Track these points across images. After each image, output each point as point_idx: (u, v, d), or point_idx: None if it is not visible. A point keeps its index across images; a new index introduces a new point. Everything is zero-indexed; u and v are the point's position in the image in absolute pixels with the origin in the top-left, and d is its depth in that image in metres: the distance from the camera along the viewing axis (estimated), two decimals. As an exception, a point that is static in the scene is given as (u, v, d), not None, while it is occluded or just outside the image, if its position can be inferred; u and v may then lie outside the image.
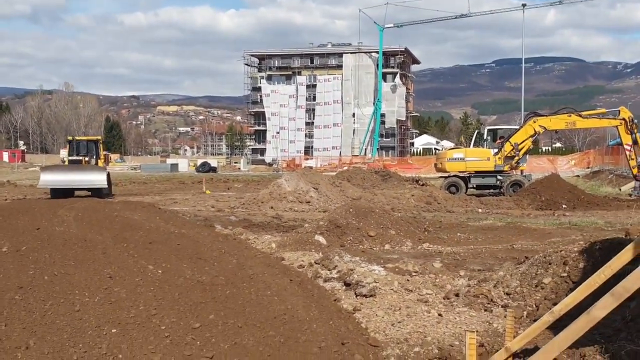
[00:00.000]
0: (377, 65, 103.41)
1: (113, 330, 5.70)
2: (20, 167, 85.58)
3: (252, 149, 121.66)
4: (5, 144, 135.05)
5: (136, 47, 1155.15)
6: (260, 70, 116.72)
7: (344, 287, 7.66)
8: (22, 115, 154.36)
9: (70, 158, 27.09)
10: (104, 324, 5.86)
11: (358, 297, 7.23)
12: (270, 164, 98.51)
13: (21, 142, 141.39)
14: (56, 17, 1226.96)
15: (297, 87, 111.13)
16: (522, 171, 31.53)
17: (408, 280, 7.83)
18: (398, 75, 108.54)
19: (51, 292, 7.01)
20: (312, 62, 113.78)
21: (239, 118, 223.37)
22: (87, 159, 27.23)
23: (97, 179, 24.23)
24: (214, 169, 74.55)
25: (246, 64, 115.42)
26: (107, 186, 25.12)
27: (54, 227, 12.61)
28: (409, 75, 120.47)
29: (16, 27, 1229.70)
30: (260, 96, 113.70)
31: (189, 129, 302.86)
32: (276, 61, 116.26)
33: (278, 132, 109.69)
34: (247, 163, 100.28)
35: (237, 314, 6.22)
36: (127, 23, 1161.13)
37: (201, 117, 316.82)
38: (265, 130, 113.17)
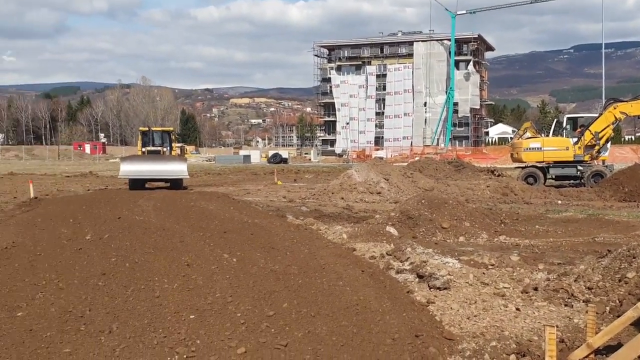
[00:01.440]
0: (450, 53, 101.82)
1: (191, 316, 5.85)
2: (102, 158, 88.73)
3: (322, 140, 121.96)
4: (87, 137, 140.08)
5: (209, 41, 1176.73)
6: (329, 61, 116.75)
7: (417, 279, 7.59)
8: (103, 109, 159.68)
9: (148, 149, 26.15)
10: (182, 310, 6.03)
11: (431, 289, 7.15)
12: (340, 155, 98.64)
13: (102, 135, 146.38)
14: (132, 13, 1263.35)
15: (367, 77, 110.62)
16: (603, 161, 30.31)
17: (484, 273, 7.69)
18: (471, 63, 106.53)
19: (132, 278, 7.26)
20: (382, 51, 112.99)
21: (309, 109, 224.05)
22: (164, 149, 26.45)
23: (179, 169, 23.71)
24: (284, 160, 75.18)
25: (316, 55, 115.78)
26: (188, 177, 24.73)
27: (134, 216, 13.09)
28: (483, 62, 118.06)
29: (95, 24, 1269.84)
30: (330, 87, 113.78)
31: (260, 120, 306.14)
32: (346, 51, 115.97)
33: (348, 123, 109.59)
34: (318, 154, 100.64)
35: (310, 303, 6.28)
36: (200, 17, 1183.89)
37: (272, 109, 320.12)
38: (335, 121, 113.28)
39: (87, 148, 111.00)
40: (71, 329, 5.60)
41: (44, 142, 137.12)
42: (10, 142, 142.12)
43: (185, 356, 4.99)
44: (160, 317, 5.87)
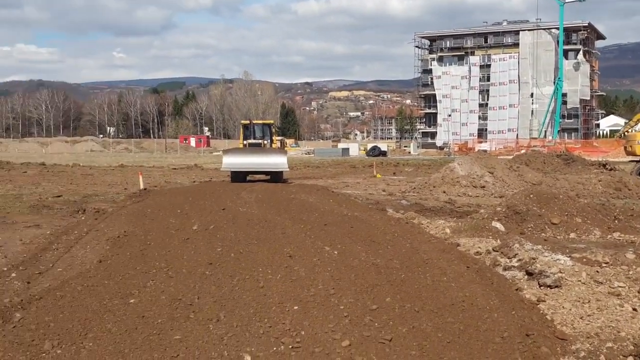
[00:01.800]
0: (558, 42, 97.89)
1: (295, 308, 5.90)
2: (206, 151, 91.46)
3: (423, 132, 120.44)
4: (192, 130, 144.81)
5: (309, 35, 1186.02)
6: (431, 52, 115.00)
7: (526, 277, 7.31)
8: (207, 103, 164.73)
9: (249, 142, 25.96)
10: (286, 301, 6.09)
11: (542, 287, 6.86)
12: (441, 148, 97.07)
13: (206, 128, 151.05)
14: (235, 8, 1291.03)
15: (470, 68, 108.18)
16: None
17: (597, 271, 7.31)
18: (581, 52, 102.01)
19: (237, 268, 7.42)
20: (485, 41, 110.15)
21: (408, 101, 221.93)
22: (265, 142, 26.22)
23: (280, 161, 23.53)
24: (383, 153, 74.78)
25: (417, 47, 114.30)
26: (288, 169, 24.66)
27: (238, 207, 13.41)
28: (593, 51, 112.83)
29: (200, 20, 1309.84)
30: (431, 78, 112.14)
31: (359, 113, 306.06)
32: (448, 42, 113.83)
33: (449, 115, 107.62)
34: (417, 147, 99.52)
35: (413, 298, 6.20)
36: (301, 12, 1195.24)
37: (371, 102, 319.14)
38: (436, 113, 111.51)
39: (192, 141, 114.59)
40: (181, 317, 5.78)
41: (151, 136, 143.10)
42: (121, 136, 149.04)
43: (290, 346, 5.04)
44: (265, 307, 5.96)
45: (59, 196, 21.48)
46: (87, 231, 11.19)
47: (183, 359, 4.90)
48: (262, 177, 24.45)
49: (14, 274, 7.98)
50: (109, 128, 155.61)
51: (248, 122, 27.82)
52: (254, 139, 26.09)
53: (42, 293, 6.61)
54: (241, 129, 27.71)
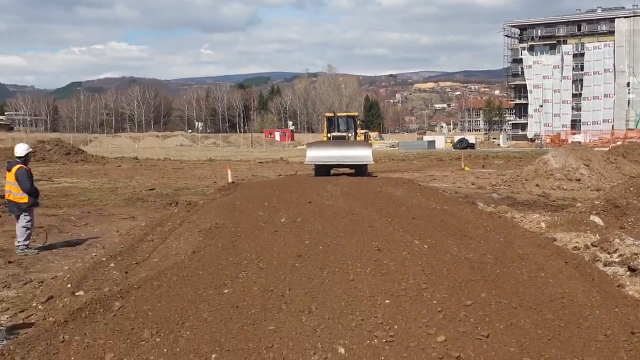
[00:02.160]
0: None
1: (386, 301, 5.83)
2: (290, 145, 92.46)
3: (512, 124, 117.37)
4: (276, 124, 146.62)
5: (394, 26, 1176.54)
6: (521, 41, 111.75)
7: (628, 273, 6.99)
8: (291, 97, 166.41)
9: (333, 134, 25.36)
10: (377, 294, 6.03)
11: (646, 284, 6.57)
12: (532, 140, 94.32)
13: (290, 122, 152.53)
14: (319, 2, 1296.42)
15: (562, 57, 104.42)
16: None
17: None
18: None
19: (326, 261, 7.42)
20: (579, 29, 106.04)
21: (497, 92, 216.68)
22: (349, 135, 25.74)
23: (364, 154, 22.83)
24: (471, 145, 73.44)
25: (506, 36, 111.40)
26: (373, 162, 24.03)
27: (324, 200, 13.44)
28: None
29: (284, 15, 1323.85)
30: (521, 68, 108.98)
31: (445, 105, 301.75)
32: (539, 31, 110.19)
33: (541, 106, 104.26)
34: (507, 139, 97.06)
35: (509, 294, 6.02)
36: (385, 3, 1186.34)
37: (457, 93, 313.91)
38: (527, 104, 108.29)
39: (277, 135, 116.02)
40: (273, 307, 5.82)
41: (238, 130, 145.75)
42: (209, 130, 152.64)
43: (384, 340, 4.98)
44: (356, 300, 5.92)
45: (152, 189, 22.23)
46: (180, 223, 11.49)
47: (277, 349, 4.92)
48: (347, 170, 24.35)
49: (112, 264, 8.29)
50: (197, 123, 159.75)
51: (332, 114, 27.29)
52: (338, 131, 25.62)
53: (140, 283, 6.81)
54: (325, 122, 27.31)
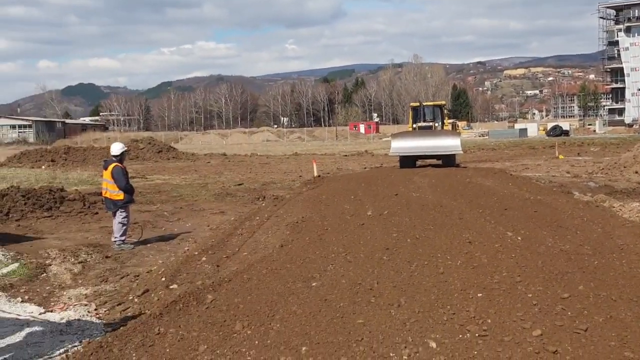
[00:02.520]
0: None
1: (479, 295, 5.68)
2: (375, 137, 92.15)
3: (609, 109, 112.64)
4: (361, 117, 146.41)
5: (481, 13, 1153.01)
6: (617, 22, 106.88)
7: None
8: (375, 89, 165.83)
9: (419, 124, 24.39)
10: (468, 288, 5.89)
11: None
12: (630, 125, 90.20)
13: (375, 114, 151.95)
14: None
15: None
16: None
17: None
18: None
19: (415, 254, 7.31)
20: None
21: (592, 77, 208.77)
22: (436, 124, 24.87)
23: (452, 144, 21.89)
24: (565, 133, 70.98)
25: (601, 17, 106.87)
26: (461, 152, 23.09)
27: (411, 193, 13.29)
28: None
29: (369, 6, 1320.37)
30: (618, 51, 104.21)
31: (537, 91, 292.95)
32: (636, 11, 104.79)
33: (639, 89, 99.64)
34: (603, 125, 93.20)
35: (609, 286, 5.75)
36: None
37: (550, 79, 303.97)
38: (624, 88, 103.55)
39: (362, 128, 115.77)
40: (362, 301, 5.78)
41: (322, 124, 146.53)
42: (294, 125, 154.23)
43: (477, 335, 4.84)
44: (447, 293, 5.80)
45: (240, 184, 22.65)
46: (267, 217, 11.63)
47: (367, 343, 4.88)
48: (433, 161, 23.69)
49: (204, 258, 8.47)
50: (282, 118, 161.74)
51: (417, 104, 26.33)
52: (424, 121, 24.70)
53: (231, 276, 6.92)
54: (410, 112, 26.49)
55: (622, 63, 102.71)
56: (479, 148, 47.62)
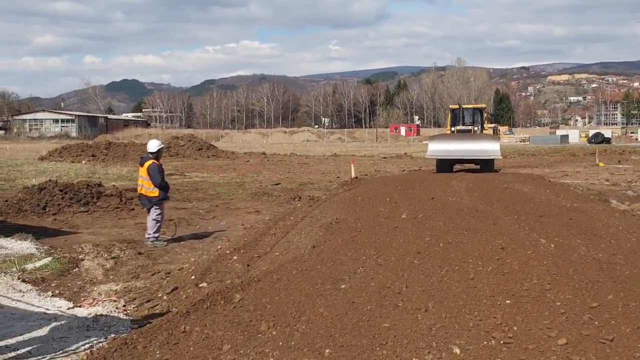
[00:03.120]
0: None
1: (507, 302, 5.65)
2: (416, 140, 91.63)
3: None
4: (402, 119, 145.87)
5: (526, 18, 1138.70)
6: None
7: None
8: (417, 92, 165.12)
9: (458, 128, 23.62)
10: (497, 294, 5.86)
11: None
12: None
13: (416, 117, 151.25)
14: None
15: None
16: None
17: None
18: None
19: (446, 258, 7.30)
20: None
21: (636, 84, 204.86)
22: (475, 128, 24.06)
23: (491, 149, 21.16)
24: (607, 140, 69.75)
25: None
26: (500, 157, 22.30)
27: (447, 197, 13.25)
28: None
29: (413, 9, 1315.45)
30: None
31: (580, 98, 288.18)
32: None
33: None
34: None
35: (639, 297, 5.66)
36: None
37: (594, 85, 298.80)
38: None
39: (402, 130, 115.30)
40: (389, 305, 5.79)
41: (363, 126, 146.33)
42: (334, 126, 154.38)
43: (502, 342, 4.82)
44: (475, 299, 5.78)
45: (277, 184, 22.79)
46: (302, 217, 11.70)
47: (391, 347, 4.89)
48: (472, 166, 23.31)
49: (235, 257, 8.56)
50: (323, 119, 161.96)
51: (457, 106, 25.50)
52: (463, 124, 23.95)
53: (260, 276, 6.97)
54: (449, 115, 25.80)
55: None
56: (519, 153, 47.07)
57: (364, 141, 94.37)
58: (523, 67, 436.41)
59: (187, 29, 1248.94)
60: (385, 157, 43.99)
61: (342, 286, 6.43)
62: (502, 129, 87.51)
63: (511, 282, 6.21)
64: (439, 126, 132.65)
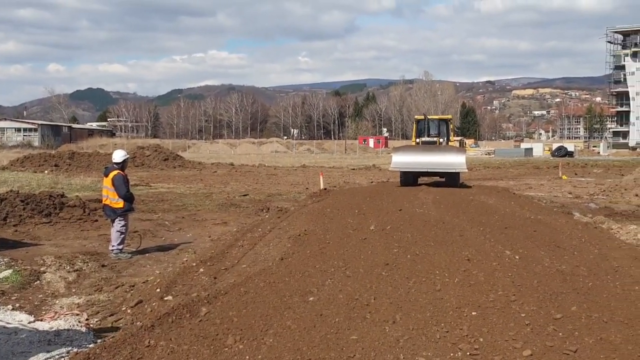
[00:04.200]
0: None
1: (473, 313, 5.71)
2: (384, 152, 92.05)
3: (613, 131, 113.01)
4: (371, 131, 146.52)
5: (492, 33, 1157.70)
6: (624, 47, 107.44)
7: None
8: (386, 104, 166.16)
9: (423, 139, 22.77)
10: (463, 306, 5.92)
11: None
12: (634, 148, 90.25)
13: (384, 129, 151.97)
14: (418, 9, 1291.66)
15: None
16: None
17: None
18: None
19: (413, 270, 7.34)
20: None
21: (598, 99, 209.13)
22: (441, 140, 23.05)
23: (457, 161, 20.35)
24: (570, 154, 70.96)
25: (608, 42, 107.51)
26: (466, 170, 21.47)
27: (415, 208, 13.33)
28: None
29: (382, 22, 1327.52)
30: (624, 75, 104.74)
31: (544, 112, 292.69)
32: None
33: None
34: (608, 147, 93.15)
35: (601, 308, 5.78)
36: (484, 9, 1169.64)
37: (557, 100, 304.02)
38: (629, 112, 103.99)
39: (371, 142, 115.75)
40: (357, 317, 5.80)
41: (332, 137, 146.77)
42: (303, 137, 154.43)
43: (468, 353, 4.87)
44: (442, 311, 5.83)
45: (245, 195, 22.70)
46: (270, 229, 11.66)
47: (359, 359, 4.90)
48: (437, 179, 22.52)
49: (202, 270, 8.48)
50: (292, 130, 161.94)
51: (422, 117, 24.55)
52: (429, 136, 23.14)
53: (227, 288, 6.91)
54: (414, 125, 24.73)
55: (627, 87, 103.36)
56: (484, 166, 47.61)
57: (332, 152, 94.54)
58: (489, 81, 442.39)
59: (155, 38, 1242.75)
60: (353, 169, 44.14)
61: (311, 298, 6.42)
62: (468, 141, 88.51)
63: (477, 293, 6.28)
64: (407, 138, 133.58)
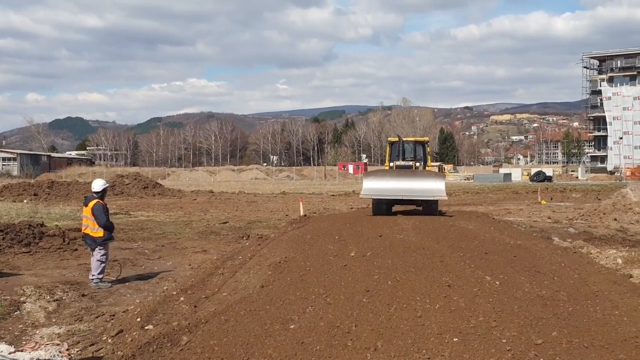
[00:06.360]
0: None
1: (454, 339, 5.72)
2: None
3: (591, 156, 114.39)
4: (350, 157, 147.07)
5: (469, 59, 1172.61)
6: (600, 72, 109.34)
7: None
8: (365, 131, 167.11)
9: (397, 163, 20.69)
10: (445, 332, 5.92)
11: None
12: (611, 172, 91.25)
13: (364, 155, 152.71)
14: (395, 37, 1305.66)
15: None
16: None
17: None
18: None
19: (394, 296, 7.34)
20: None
21: (576, 124, 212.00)
22: (417, 164, 21.00)
23: (435, 188, 18.37)
24: (549, 178, 71.70)
25: (584, 67, 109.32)
26: (445, 197, 19.06)
27: (395, 234, 13.36)
28: None
29: (360, 50, 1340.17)
30: (601, 100, 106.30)
31: (522, 137, 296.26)
32: (618, 62, 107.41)
33: (621, 138, 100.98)
34: (586, 171, 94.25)
35: (581, 333, 5.82)
36: (460, 37, 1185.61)
37: (535, 125, 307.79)
38: (606, 136, 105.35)
39: (350, 168, 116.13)
40: (339, 344, 5.78)
41: (312, 163, 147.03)
42: (283, 164, 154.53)
43: (449, 381, 4.87)
44: (423, 337, 5.83)
45: (225, 222, 22.59)
46: (250, 257, 11.61)
47: (340, 387, 4.88)
48: (412, 207, 20.88)
49: (182, 298, 8.41)
50: (272, 157, 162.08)
51: (396, 139, 22.42)
52: (403, 159, 21.13)
53: (208, 317, 6.87)
54: (388, 148, 22.69)
55: (604, 112, 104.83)
56: (463, 191, 47.88)
57: (312, 179, 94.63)
58: (467, 107, 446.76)
59: (134, 66, 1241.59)
60: (333, 195, 44.16)
61: (291, 326, 6.39)
62: (447, 167, 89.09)
63: (458, 319, 6.29)
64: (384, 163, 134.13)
